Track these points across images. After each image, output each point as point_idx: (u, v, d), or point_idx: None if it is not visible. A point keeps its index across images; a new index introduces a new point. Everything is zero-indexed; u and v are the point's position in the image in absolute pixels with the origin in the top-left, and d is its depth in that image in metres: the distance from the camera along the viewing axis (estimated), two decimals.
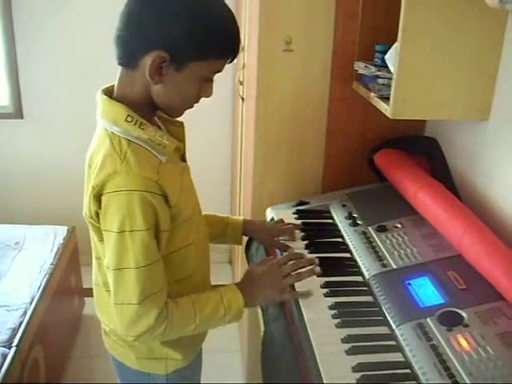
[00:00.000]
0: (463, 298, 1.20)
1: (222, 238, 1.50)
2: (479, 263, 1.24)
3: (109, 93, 1.14)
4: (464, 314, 1.15)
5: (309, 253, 1.50)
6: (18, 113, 3.22)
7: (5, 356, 1.99)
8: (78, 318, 3.02)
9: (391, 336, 1.17)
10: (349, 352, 1.13)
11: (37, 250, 2.73)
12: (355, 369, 1.08)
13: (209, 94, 1.16)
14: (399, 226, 1.52)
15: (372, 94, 1.56)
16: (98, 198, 1.09)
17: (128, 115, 1.08)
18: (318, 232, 1.61)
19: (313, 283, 1.35)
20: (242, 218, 1.55)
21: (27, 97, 3.21)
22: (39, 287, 2.42)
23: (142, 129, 1.09)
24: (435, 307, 1.20)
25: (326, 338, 1.18)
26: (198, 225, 1.30)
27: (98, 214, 1.12)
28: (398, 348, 1.14)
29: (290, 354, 1.25)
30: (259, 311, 1.49)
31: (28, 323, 2.19)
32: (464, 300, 1.19)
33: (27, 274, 2.51)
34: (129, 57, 1.09)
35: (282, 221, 1.63)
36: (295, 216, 1.70)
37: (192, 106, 1.18)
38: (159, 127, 1.20)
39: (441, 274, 1.29)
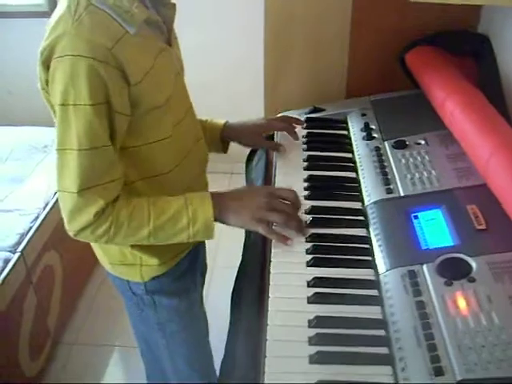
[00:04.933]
0: (479, 241, 0.90)
1: None
2: (505, 197, 0.92)
3: None
4: (473, 264, 0.86)
5: (304, 169, 1.22)
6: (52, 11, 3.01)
7: (7, 261, 1.89)
8: None
9: (374, 284, 0.90)
10: (310, 300, 0.88)
11: None
12: (312, 324, 0.83)
13: None
14: (422, 142, 1.20)
15: None
16: (47, 64, 0.94)
17: None
18: (325, 145, 1.31)
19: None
20: (223, 120, 1.29)
21: None
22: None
23: None
24: (440, 251, 0.91)
25: (290, 278, 0.93)
26: (181, 120, 1.11)
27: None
28: (377, 301, 0.87)
29: (256, 288, 1.01)
30: None
31: (38, 228, 2.07)
32: (479, 245, 0.89)
33: (49, 179, 2.38)
34: None
35: (278, 118, 1.38)
36: (304, 125, 1.40)
37: None
38: (146, 6, 1.02)
39: (458, 208, 0.98)
